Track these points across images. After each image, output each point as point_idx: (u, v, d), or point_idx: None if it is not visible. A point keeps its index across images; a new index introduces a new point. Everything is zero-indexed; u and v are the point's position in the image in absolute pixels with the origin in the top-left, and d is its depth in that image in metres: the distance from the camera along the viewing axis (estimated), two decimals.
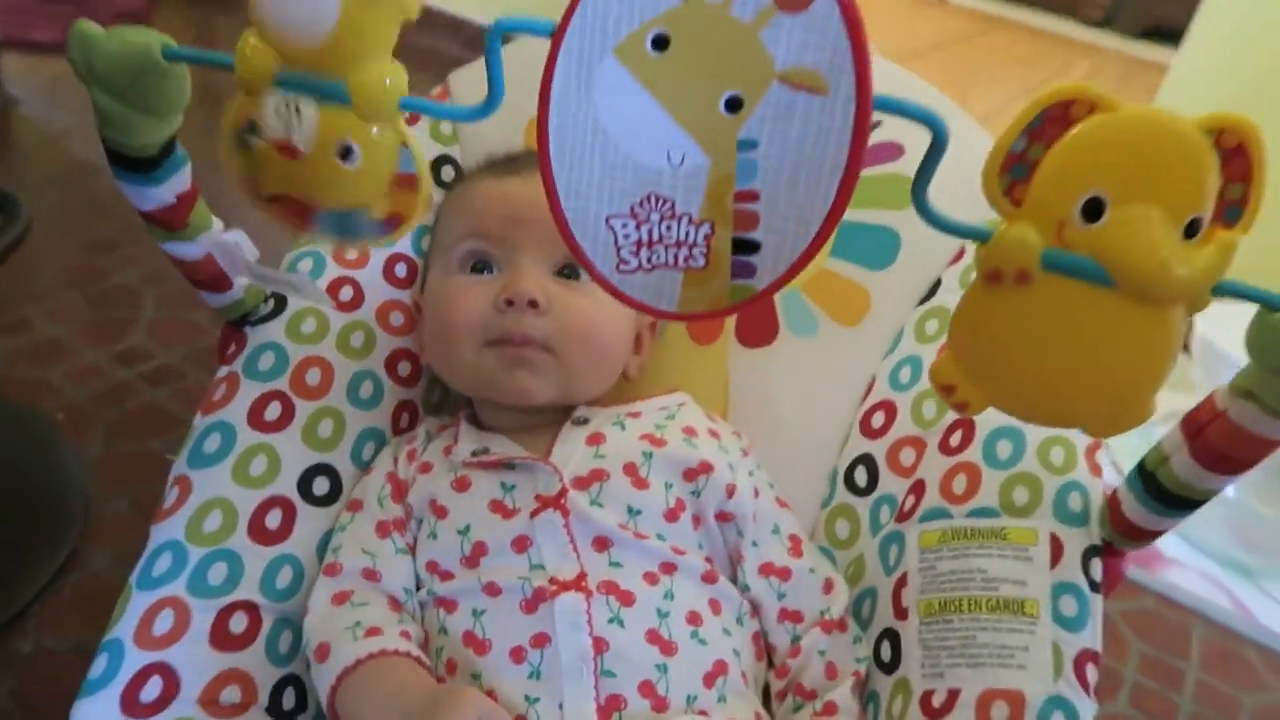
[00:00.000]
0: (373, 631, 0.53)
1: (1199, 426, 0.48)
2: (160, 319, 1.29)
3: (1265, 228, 0.44)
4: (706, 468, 0.60)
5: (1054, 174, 0.38)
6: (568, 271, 0.63)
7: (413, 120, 0.75)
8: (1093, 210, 0.38)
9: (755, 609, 0.61)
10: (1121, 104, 0.38)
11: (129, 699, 0.49)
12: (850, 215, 0.75)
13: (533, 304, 0.60)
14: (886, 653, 0.59)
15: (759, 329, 0.74)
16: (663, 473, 0.59)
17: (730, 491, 0.60)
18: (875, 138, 0.75)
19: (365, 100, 0.39)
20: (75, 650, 0.84)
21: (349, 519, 0.59)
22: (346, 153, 0.41)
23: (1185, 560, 1.23)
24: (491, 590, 0.54)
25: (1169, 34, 1.83)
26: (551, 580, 0.53)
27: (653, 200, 0.38)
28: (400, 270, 0.70)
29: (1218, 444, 0.47)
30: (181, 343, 1.25)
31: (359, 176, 0.41)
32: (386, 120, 0.41)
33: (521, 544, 0.55)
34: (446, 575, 0.56)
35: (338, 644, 0.52)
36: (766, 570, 0.61)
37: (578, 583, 0.53)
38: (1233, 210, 0.39)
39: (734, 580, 0.61)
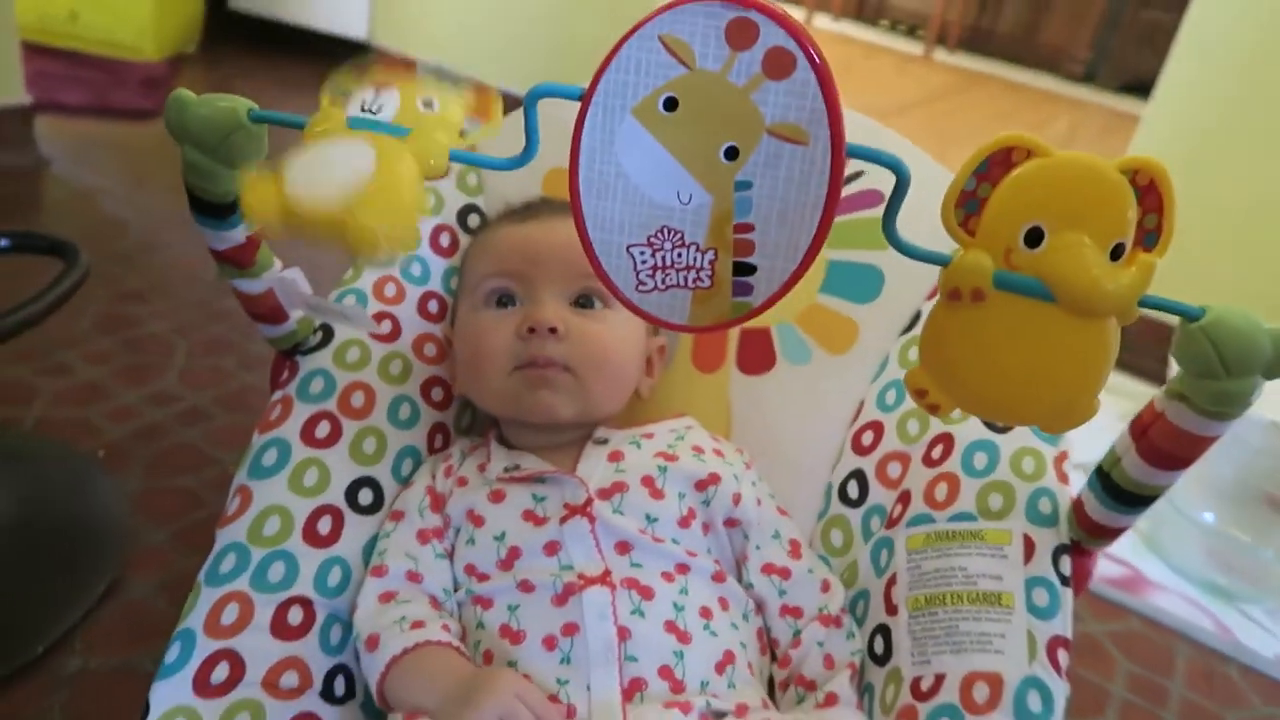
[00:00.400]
0: (417, 625, 0.59)
1: (1143, 428, 0.55)
2: (190, 366, 1.36)
3: (1181, 252, 0.51)
4: (715, 479, 0.67)
5: (1000, 208, 0.46)
6: (583, 301, 0.70)
7: (443, 174, 0.83)
8: (1034, 238, 0.46)
9: (759, 607, 0.67)
10: (1053, 150, 0.46)
11: (200, 681, 0.55)
12: (839, 255, 0.83)
13: (552, 330, 0.67)
14: (880, 646, 0.64)
15: (757, 359, 0.81)
16: (676, 484, 0.66)
17: (736, 500, 0.67)
18: (859, 186, 0.83)
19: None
20: (120, 670, 0.89)
21: (393, 527, 0.66)
22: None
23: (1168, 585, 1.28)
24: (525, 587, 0.61)
25: (1148, 88, 1.93)
26: (580, 576, 0.60)
27: (666, 232, 0.46)
28: (433, 306, 0.78)
29: (1160, 443, 0.54)
30: (210, 386, 1.32)
31: None
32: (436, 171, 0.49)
33: (552, 548, 0.62)
34: (484, 576, 0.63)
35: (386, 636, 0.58)
36: (768, 570, 0.67)
37: (603, 578, 0.60)
38: (1150, 237, 0.46)
39: (739, 580, 0.67)
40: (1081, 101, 3.62)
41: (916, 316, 0.79)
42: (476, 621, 0.61)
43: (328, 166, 0.47)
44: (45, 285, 0.79)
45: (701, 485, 0.67)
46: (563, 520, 0.63)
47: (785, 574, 0.68)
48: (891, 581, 0.66)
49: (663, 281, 0.47)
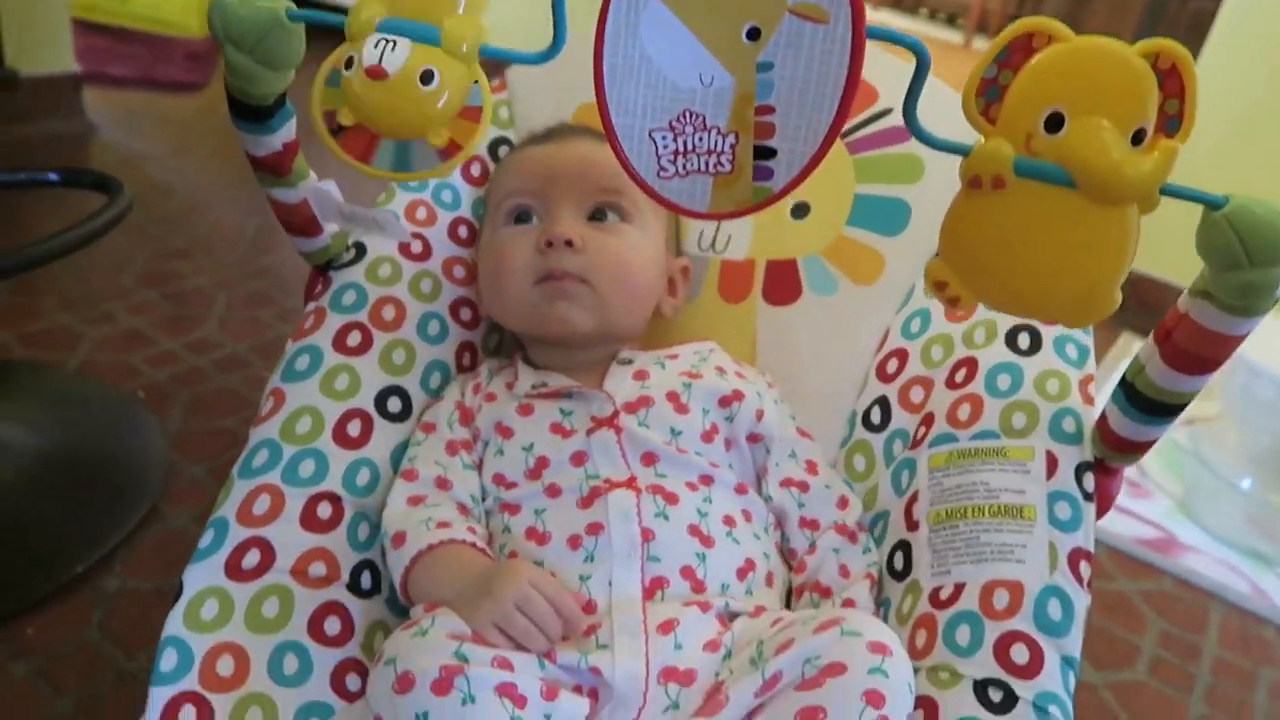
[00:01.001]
0: (443, 524, 0.60)
1: (1167, 332, 0.55)
2: (229, 317, 1.39)
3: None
4: (739, 395, 0.68)
5: (1021, 94, 0.46)
6: (598, 216, 0.71)
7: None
8: (1054, 123, 0.46)
9: (779, 520, 0.68)
10: (1074, 35, 0.46)
11: (232, 565, 0.57)
12: (867, 189, 0.83)
13: (568, 243, 0.68)
14: (899, 562, 0.65)
15: (783, 289, 0.81)
16: (701, 400, 0.67)
17: (759, 415, 0.68)
18: (885, 124, 0.83)
19: (455, 38, 0.48)
20: (156, 592, 0.92)
21: (423, 437, 0.67)
22: (428, 77, 0.49)
23: (1202, 548, 1.27)
24: (552, 491, 0.62)
25: None
26: (606, 480, 0.62)
27: (687, 116, 0.47)
28: (462, 232, 0.79)
29: (1185, 345, 0.53)
30: (248, 336, 1.35)
31: (433, 98, 0.50)
32: (469, 58, 0.50)
33: (579, 458, 0.64)
34: (511, 485, 0.64)
35: (412, 533, 0.60)
36: (787, 483, 0.68)
37: (629, 483, 0.62)
38: (1172, 123, 0.46)
39: (760, 493, 0.68)
40: None
41: None
42: (503, 527, 0.63)
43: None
44: (90, 213, 0.82)
45: (725, 401, 0.68)
46: (589, 432, 0.64)
47: (804, 487, 0.68)
48: (913, 499, 0.66)
49: (684, 167, 0.48)
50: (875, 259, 0.80)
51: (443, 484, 0.64)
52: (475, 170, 0.82)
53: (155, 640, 0.86)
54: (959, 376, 0.70)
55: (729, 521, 0.63)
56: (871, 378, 0.77)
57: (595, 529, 0.60)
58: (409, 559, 0.59)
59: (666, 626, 0.56)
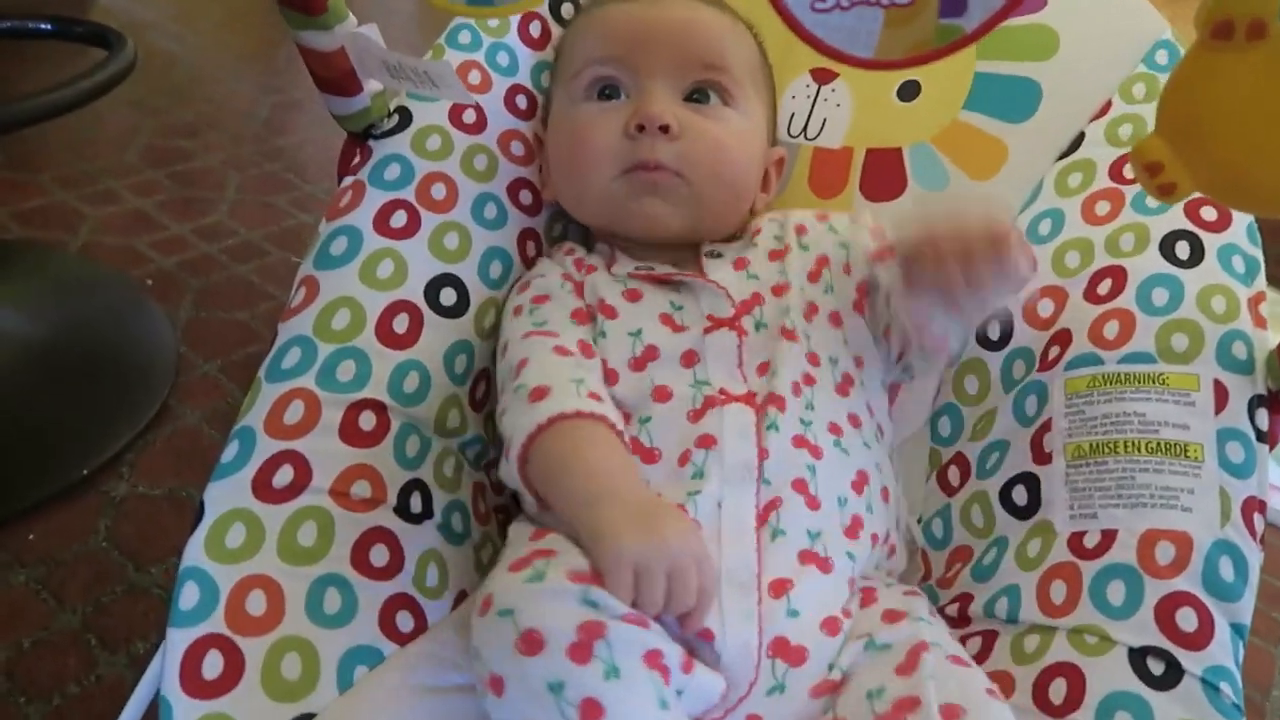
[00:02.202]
0: (594, 396, 0.50)
1: None
2: (241, 200, 1.28)
3: None
4: (825, 261, 0.60)
5: None
6: (698, 96, 0.61)
7: None
8: None
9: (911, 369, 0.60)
10: None
11: (260, 483, 0.48)
12: (989, 66, 0.72)
13: (664, 129, 0.58)
14: (1021, 497, 0.56)
15: (885, 182, 0.71)
16: (796, 276, 0.59)
17: (847, 269, 0.60)
18: None
19: None
20: (166, 496, 0.84)
21: (540, 308, 0.57)
22: None
23: None
24: (660, 395, 0.53)
25: None
26: (721, 391, 0.53)
27: None
28: (521, 102, 0.68)
29: None
30: (262, 224, 1.24)
31: None
32: None
33: (690, 359, 0.54)
34: (613, 374, 0.54)
35: (558, 390, 0.49)
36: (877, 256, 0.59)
37: (748, 398, 0.53)
38: None
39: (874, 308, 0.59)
40: None
41: (1079, 139, 0.68)
42: None
43: None
44: (88, 69, 0.70)
45: (814, 275, 0.60)
46: (706, 331, 0.55)
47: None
48: (1045, 428, 0.57)
49: None
50: (997, 148, 0.69)
51: (586, 349, 0.54)
52: (535, 30, 0.70)
53: (168, 552, 0.79)
54: (1103, 289, 0.59)
55: (835, 429, 0.54)
56: None
57: (706, 442, 0.50)
58: (545, 418, 0.48)
59: (779, 587, 0.47)
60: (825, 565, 0.49)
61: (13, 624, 0.71)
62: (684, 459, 0.50)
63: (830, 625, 0.47)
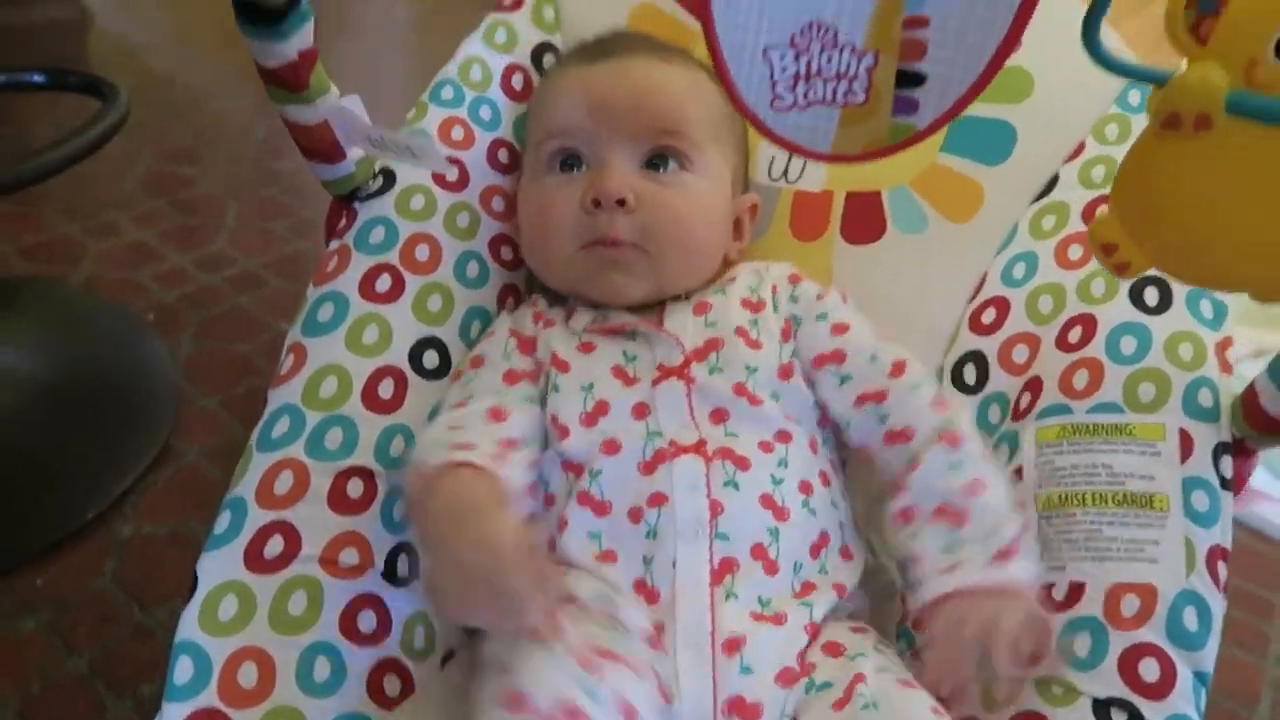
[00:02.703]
0: (464, 446, 0.51)
1: None
2: (241, 228, 1.30)
3: None
4: (789, 325, 0.61)
5: (1248, 5, 0.36)
6: (656, 162, 0.61)
7: (515, 5, 0.74)
8: None
9: (862, 451, 0.59)
10: None
11: (252, 554, 0.50)
12: (965, 109, 0.73)
13: (620, 203, 0.59)
14: None
15: (865, 225, 0.72)
16: (772, 333, 0.59)
17: (811, 338, 0.60)
18: None
19: None
20: (171, 536, 0.86)
21: (473, 374, 0.59)
22: None
23: (1276, 495, 1.19)
24: (610, 448, 0.54)
25: None
26: (671, 443, 0.54)
27: (815, 29, 0.37)
28: (503, 156, 0.70)
29: None
30: (262, 251, 1.26)
31: None
32: None
33: (641, 410, 0.55)
34: (564, 431, 0.56)
35: (429, 453, 0.52)
36: (861, 400, 0.58)
37: (698, 447, 0.54)
38: None
39: (838, 426, 0.59)
40: None
41: (1054, 181, 0.69)
42: (566, 489, 0.55)
43: None
44: (82, 123, 0.72)
45: (785, 335, 0.60)
46: (655, 382, 0.56)
47: (880, 397, 0.57)
48: (1016, 475, 0.58)
49: (805, 95, 0.38)
50: (973, 191, 0.70)
51: (497, 415, 0.55)
52: (517, 82, 0.72)
53: (172, 591, 0.81)
54: (1073, 336, 0.61)
55: (805, 489, 0.55)
56: (964, 329, 0.68)
57: (658, 500, 0.52)
58: (412, 473, 0.51)
59: (732, 645, 0.49)
60: (778, 619, 0.51)
61: (24, 669, 0.73)
62: (635, 515, 0.52)
63: (785, 676, 0.49)
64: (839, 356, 0.59)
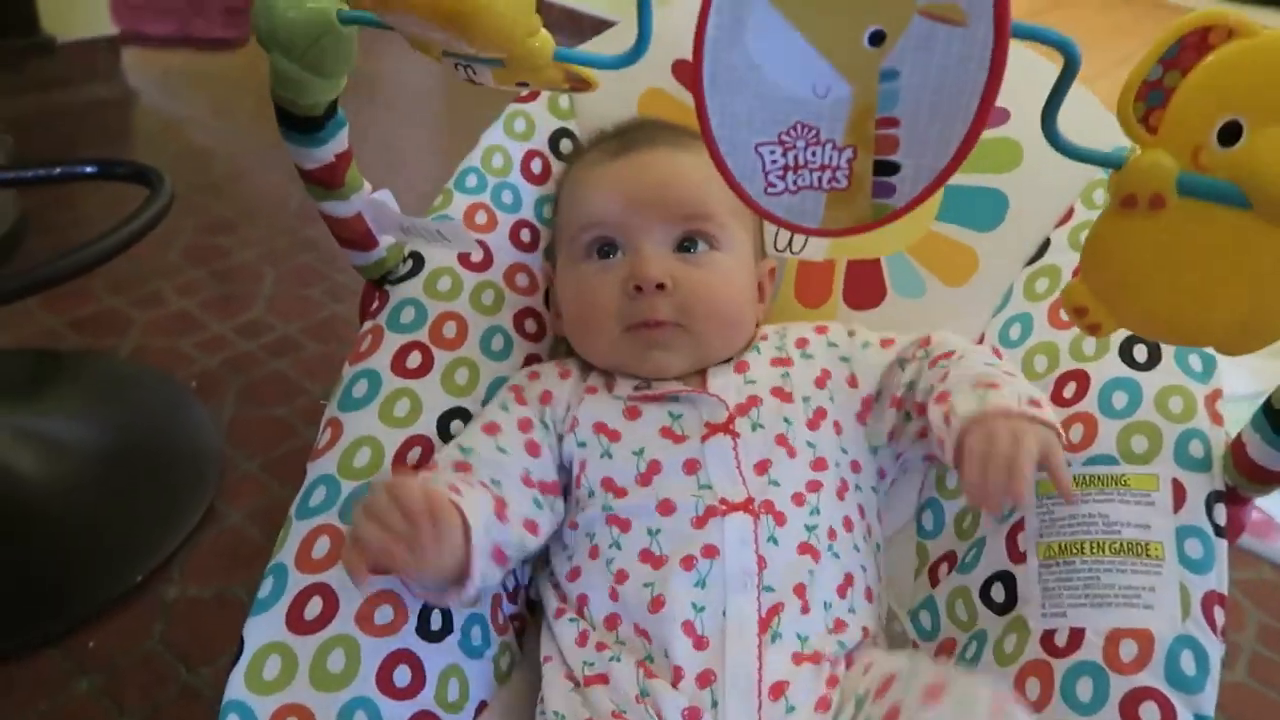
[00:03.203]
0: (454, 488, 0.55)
1: None
2: (278, 295, 1.36)
3: None
4: (827, 374, 0.66)
5: (1191, 99, 0.39)
6: (687, 245, 0.66)
7: (531, 97, 0.79)
8: (1230, 134, 0.39)
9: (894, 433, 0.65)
10: (1261, 29, 0.39)
11: (294, 617, 0.53)
12: (957, 179, 0.75)
13: (660, 287, 0.63)
14: (999, 594, 0.59)
15: (866, 291, 0.75)
16: (800, 388, 0.65)
17: (852, 382, 0.66)
18: None
19: (524, 63, 0.43)
20: (215, 598, 0.90)
21: (467, 428, 0.63)
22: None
23: None
24: (665, 508, 0.59)
25: None
26: (722, 501, 0.58)
27: (799, 129, 0.41)
28: (525, 235, 0.74)
29: None
30: (298, 317, 1.31)
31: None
32: (545, 77, 0.44)
33: (691, 466, 0.60)
34: (621, 492, 0.60)
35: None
36: (895, 403, 0.65)
37: (746, 505, 0.58)
38: None
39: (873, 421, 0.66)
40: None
41: (1045, 245, 0.72)
42: (612, 541, 0.59)
43: None
44: (130, 212, 0.78)
45: (820, 382, 0.66)
46: (704, 439, 0.61)
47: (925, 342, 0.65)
48: (1018, 526, 0.61)
49: (794, 183, 0.42)
50: (968, 256, 0.74)
51: (461, 467, 0.59)
52: (536, 167, 0.76)
53: (217, 652, 0.85)
54: (1068, 392, 0.63)
55: (832, 535, 0.60)
56: None
57: (710, 552, 0.57)
58: None
59: (778, 690, 0.53)
60: (816, 658, 0.55)
61: None
62: (688, 563, 0.56)
63: (823, 704, 0.53)
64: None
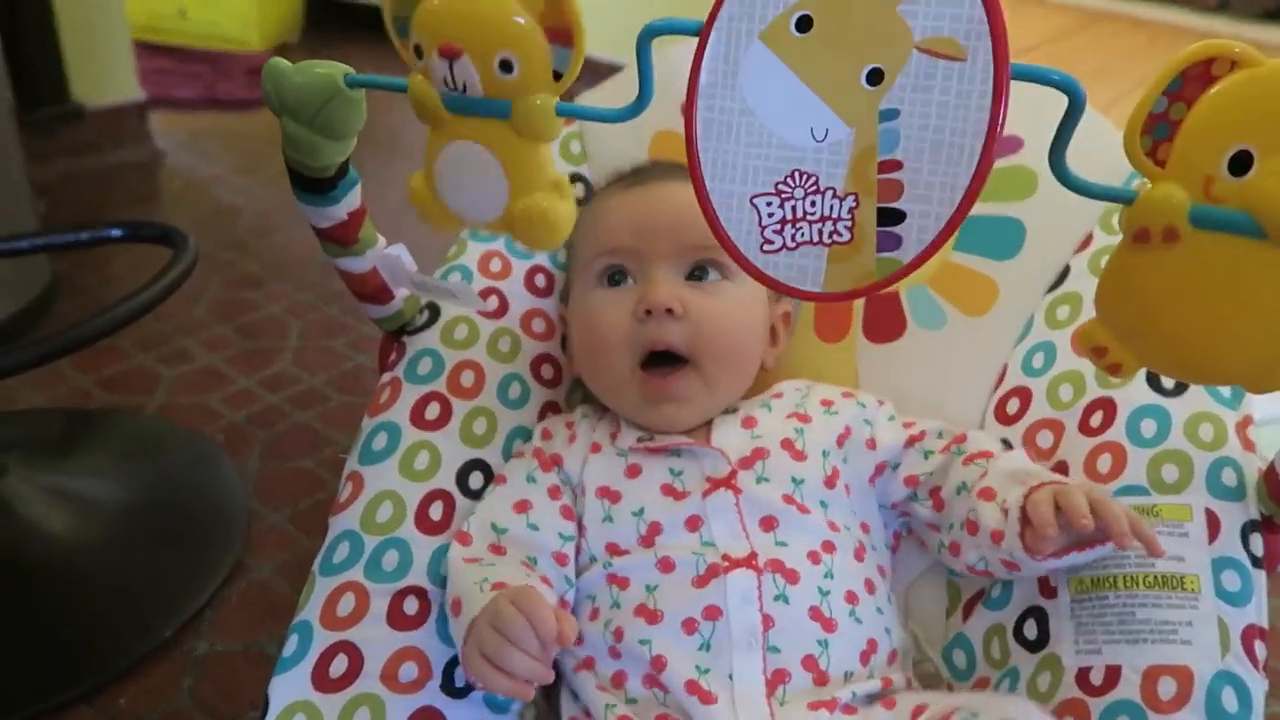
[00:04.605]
0: (498, 586, 0.55)
1: None
2: (303, 348, 1.37)
3: None
4: (849, 431, 0.64)
5: (1199, 130, 0.39)
6: (698, 274, 0.65)
7: None
8: (1240, 164, 0.38)
9: (914, 530, 0.66)
10: (1264, 59, 0.38)
11: (319, 675, 0.53)
12: (974, 209, 0.75)
13: (669, 311, 0.63)
14: (1032, 631, 0.58)
15: (886, 324, 0.75)
16: (818, 444, 0.63)
17: (871, 444, 0.64)
18: None
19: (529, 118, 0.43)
20: (244, 653, 0.90)
21: (491, 492, 0.63)
22: None
23: None
24: (665, 566, 0.57)
25: None
26: (725, 557, 0.57)
27: (797, 177, 0.40)
28: (540, 281, 0.74)
29: None
30: (323, 369, 1.32)
31: None
32: (548, 134, 0.45)
33: (694, 523, 0.59)
34: (624, 552, 0.60)
35: (468, 598, 0.55)
36: (910, 481, 0.64)
37: (749, 560, 0.56)
38: None
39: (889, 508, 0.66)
40: (1216, 34, 3.34)
41: (1065, 272, 0.72)
42: (612, 601, 0.58)
43: (464, 177, 0.47)
44: (155, 273, 0.79)
45: (840, 440, 0.64)
46: (705, 494, 0.60)
47: (914, 481, 0.64)
48: None
49: (793, 238, 0.42)
50: (988, 286, 0.73)
51: (496, 550, 0.59)
52: None
53: (245, 707, 0.85)
54: (1095, 420, 0.62)
55: (851, 599, 0.58)
56: (990, 420, 0.70)
57: (713, 613, 0.55)
58: (464, 628, 0.53)
59: None
60: (832, 705, 0.53)
61: None
62: (690, 626, 0.55)
63: None
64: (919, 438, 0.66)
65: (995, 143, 0.38)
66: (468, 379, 0.66)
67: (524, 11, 0.42)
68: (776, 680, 0.53)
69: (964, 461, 0.62)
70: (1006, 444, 0.65)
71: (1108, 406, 0.62)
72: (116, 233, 0.90)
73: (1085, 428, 0.62)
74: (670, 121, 0.77)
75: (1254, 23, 3.35)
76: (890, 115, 0.39)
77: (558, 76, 0.44)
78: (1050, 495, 0.53)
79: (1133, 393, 0.62)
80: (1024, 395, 0.68)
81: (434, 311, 0.68)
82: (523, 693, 0.50)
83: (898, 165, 0.40)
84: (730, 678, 0.53)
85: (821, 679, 0.54)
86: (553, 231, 0.47)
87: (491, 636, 0.50)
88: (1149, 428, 0.60)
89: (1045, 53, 2.77)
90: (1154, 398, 0.61)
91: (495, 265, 0.72)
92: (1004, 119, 0.38)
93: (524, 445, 0.67)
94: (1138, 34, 3.22)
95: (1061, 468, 0.62)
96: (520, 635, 0.49)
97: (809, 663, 0.54)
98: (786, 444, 0.62)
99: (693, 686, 0.53)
